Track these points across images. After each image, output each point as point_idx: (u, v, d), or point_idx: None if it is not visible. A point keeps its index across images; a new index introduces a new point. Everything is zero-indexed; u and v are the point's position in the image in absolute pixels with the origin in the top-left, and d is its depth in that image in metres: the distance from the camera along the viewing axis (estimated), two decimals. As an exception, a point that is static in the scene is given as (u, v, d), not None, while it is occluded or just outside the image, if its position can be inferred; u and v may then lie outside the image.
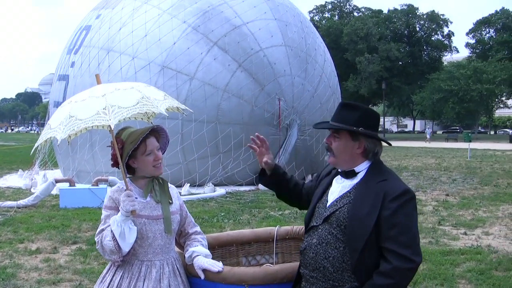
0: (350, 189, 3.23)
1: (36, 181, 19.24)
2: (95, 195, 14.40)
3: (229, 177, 18.54)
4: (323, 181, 3.51)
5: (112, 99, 3.33)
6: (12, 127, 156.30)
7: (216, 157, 18.33)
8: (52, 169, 22.49)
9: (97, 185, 15.54)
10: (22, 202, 14.66)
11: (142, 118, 3.62)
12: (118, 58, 18.91)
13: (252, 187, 18.17)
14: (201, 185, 17.96)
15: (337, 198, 3.25)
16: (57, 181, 15.97)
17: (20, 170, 23.09)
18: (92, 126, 3.33)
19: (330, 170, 3.51)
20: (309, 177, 18.77)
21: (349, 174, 3.29)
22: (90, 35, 20.71)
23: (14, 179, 21.51)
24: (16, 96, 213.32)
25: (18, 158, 33.27)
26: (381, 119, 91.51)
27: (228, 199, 15.92)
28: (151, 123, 3.75)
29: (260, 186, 18.06)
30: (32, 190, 17.71)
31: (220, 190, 17.21)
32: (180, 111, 3.69)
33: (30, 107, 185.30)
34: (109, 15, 20.57)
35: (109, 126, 3.25)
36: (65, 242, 10.14)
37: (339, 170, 3.36)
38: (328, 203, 3.27)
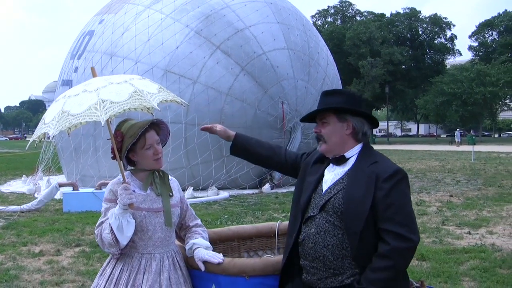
0: (343, 175, 3.24)
1: (40, 186, 19.25)
2: (98, 199, 14.33)
3: (232, 180, 18.51)
4: (314, 168, 3.46)
5: (104, 94, 3.28)
6: (25, 135, 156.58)
7: (220, 160, 18.29)
8: (56, 175, 22.49)
9: (100, 189, 15.51)
10: (25, 206, 14.67)
11: (142, 109, 3.59)
12: (121, 62, 18.94)
13: (256, 190, 18.20)
14: (204, 188, 17.95)
15: (330, 186, 3.24)
16: (60, 185, 15.96)
17: (24, 176, 23.10)
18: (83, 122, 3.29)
19: (319, 157, 3.48)
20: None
21: (339, 160, 3.29)
22: (93, 40, 20.77)
23: (18, 185, 21.52)
24: (20, 104, 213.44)
25: (22, 164, 33.32)
26: (385, 123, 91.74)
27: (231, 202, 15.91)
28: (152, 114, 3.73)
29: (264, 189, 18.10)
30: (36, 195, 17.68)
31: (224, 193, 17.23)
32: (178, 102, 3.67)
33: (34, 115, 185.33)
34: (112, 20, 20.62)
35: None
36: (68, 245, 10.14)
37: (330, 157, 3.35)
38: (323, 192, 3.26)
